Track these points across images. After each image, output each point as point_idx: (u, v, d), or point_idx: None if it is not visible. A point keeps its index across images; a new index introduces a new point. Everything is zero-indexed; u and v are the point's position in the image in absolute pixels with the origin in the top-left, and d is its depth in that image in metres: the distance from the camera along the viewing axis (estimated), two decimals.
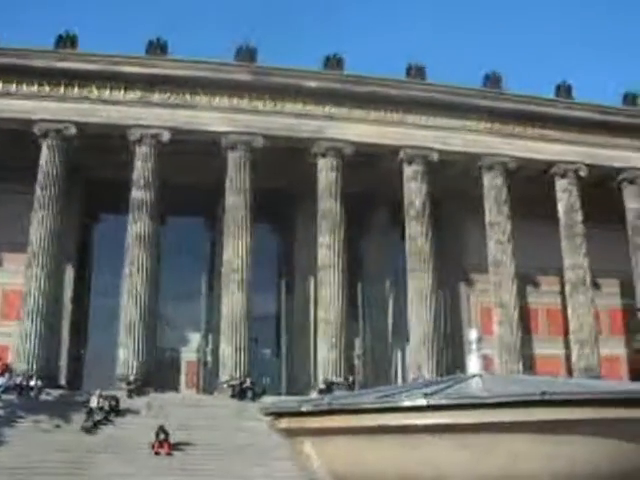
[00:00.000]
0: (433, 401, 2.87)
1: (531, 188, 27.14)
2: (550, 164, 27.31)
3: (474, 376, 3.48)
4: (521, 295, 26.75)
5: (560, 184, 27.30)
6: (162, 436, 17.68)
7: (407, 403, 2.93)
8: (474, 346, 3.72)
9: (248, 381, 22.68)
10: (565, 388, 3.09)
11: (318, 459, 3.29)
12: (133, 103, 23.62)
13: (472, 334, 3.87)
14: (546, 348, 28.41)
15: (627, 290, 28.69)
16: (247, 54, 24.48)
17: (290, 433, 3.61)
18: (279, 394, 23.99)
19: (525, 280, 27.75)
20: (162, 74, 23.64)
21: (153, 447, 17.57)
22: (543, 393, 2.68)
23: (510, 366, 24.66)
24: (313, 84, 24.96)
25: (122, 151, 23.49)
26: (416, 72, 26.07)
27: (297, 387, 24.58)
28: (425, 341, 24.35)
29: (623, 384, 4.32)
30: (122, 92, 23.51)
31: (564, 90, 27.87)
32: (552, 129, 27.45)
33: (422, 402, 2.87)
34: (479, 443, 2.70)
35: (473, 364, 3.64)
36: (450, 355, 25.94)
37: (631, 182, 28.10)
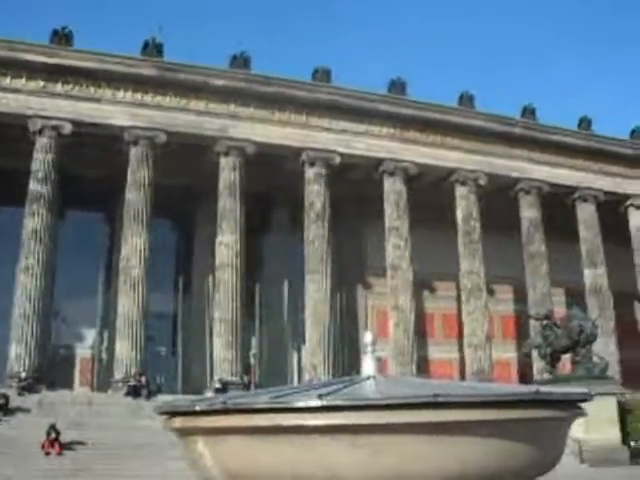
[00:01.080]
0: (326, 402, 3.17)
1: (432, 194, 32.19)
2: (450, 171, 32.47)
3: (368, 378, 3.88)
4: (418, 299, 31.79)
5: (459, 191, 32.51)
6: (53, 435, 18.82)
7: (300, 404, 3.24)
8: (369, 348, 4.13)
9: (143, 379, 25.52)
10: (456, 391, 3.46)
11: (211, 459, 3.60)
12: (34, 93, 26.46)
13: (367, 337, 4.27)
14: (441, 351, 33.71)
15: (520, 296, 34.33)
16: (154, 49, 27.91)
17: (184, 432, 3.93)
18: (174, 393, 27.12)
19: (422, 285, 32.89)
20: (66, 64, 26.56)
21: (43, 447, 18.65)
22: (435, 395, 3.05)
23: (405, 369, 29.38)
24: (219, 82, 28.79)
25: (23, 140, 26.14)
26: (322, 75, 30.50)
27: (193, 386, 28.16)
28: (321, 342, 28.56)
29: (512, 387, 5.51)
30: (23, 80, 26.28)
31: (466, 99, 33.16)
32: (453, 137, 32.63)
33: (315, 403, 3.18)
34: (372, 444, 3.06)
35: (367, 366, 4.05)
36: (347, 357, 30.50)
37: (527, 192, 33.76)
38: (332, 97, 30.48)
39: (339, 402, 3.23)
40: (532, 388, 3.53)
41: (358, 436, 3.12)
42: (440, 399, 3.05)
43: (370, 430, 3.08)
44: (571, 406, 3.73)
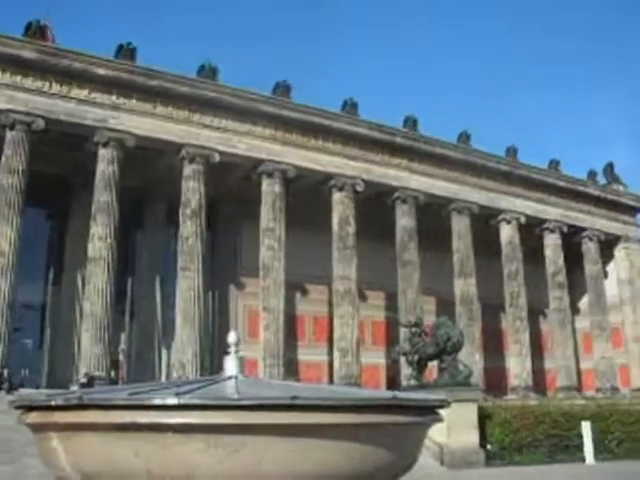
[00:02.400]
0: (184, 400, 3.56)
1: (310, 198, 38.37)
2: (329, 176, 38.92)
3: (230, 378, 4.37)
4: (290, 301, 37.94)
5: (337, 196, 39.02)
6: None
7: (157, 401, 3.61)
8: (232, 348, 4.70)
9: (5, 372, 28.96)
10: (316, 393, 3.94)
11: (65, 456, 3.92)
12: None
13: (231, 336, 4.79)
14: (311, 354, 40.22)
15: (392, 303, 41.27)
16: (37, 31, 32.14)
17: (38, 428, 4.24)
18: (38, 387, 30.85)
19: (295, 287, 39.30)
20: None
21: None
22: (293, 397, 3.49)
23: (274, 370, 34.90)
24: (102, 71, 33.58)
25: None
26: (208, 72, 35.88)
27: (59, 380, 32.13)
28: (191, 341, 33.77)
29: (370, 391, 6.19)
30: None
31: (350, 106, 39.71)
32: (335, 142, 39.16)
33: (173, 401, 3.57)
34: (228, 444, 3.47)
35: (230, 366, 4.59)
36: (217, 356, 35.93)
37: (404, 201, 40.80)
38: (216, 95, 36.04)
39: (195, 401, 3.59)
40: (390, 393, 4.01)
41: (214, 436, 3.51)
42: (298, 401, 3.46)
43: (226, 430, 3.48)
44: (428, 412, 4.18)
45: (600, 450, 33.26)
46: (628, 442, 35.50)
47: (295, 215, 37.14)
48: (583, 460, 32.15)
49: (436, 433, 26.41)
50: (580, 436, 32.80)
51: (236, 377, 4.40)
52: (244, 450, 3.48)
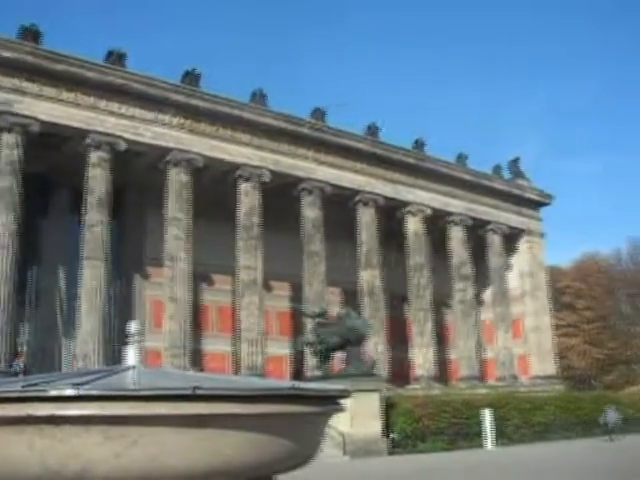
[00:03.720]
0: (82, 391, 3.56)
1: (217, 187, 40.13)
2: (237, 166, 40.83)
3: (129, 368, 4.41)
4: (195, 291, 39.64)
5: (243, 187, 40.95)
6: None
7: (53, 393, 3.57)
8: (132, 338, 4.75)
9: None
10: (217, 384, 3.97)
11: None
12: None
13: (131, 326, 4.83)
14: (216, 345, 42.16)
15: (297, 294, 43.49)
16: None
17: None
18: None
19: (201, 277, 41.15)
20: None
21: None
22: (194, 388, 3.56)
23: (179, 361, 36.39)
24: (6, 54, 34.48)
25: None
26: (116, 58, 37.11)
27: None
28: (95, 331, 35.01)
29: (271, 382, 6.01)
30: None
31: (259, 97, 41.70)
32: (243, 132, 41.06)
33: (69, 392, 3.55)
34: (127, 436, 3.50)
35: (131, 356, 4.65)
36: (121, 347, 37.40)
37: (310, 192, 43.03)
38: (124, 81, 37.42)
39: (93, 392, 3.61)
40: (289, 383, 4.15)
41: (112, 428, 3.55)
42: (198, 391, 3.56)
43: (124, 422, 3.54)
44: (329, 402, 4.36)
45: (499, 436, 36.53)
46: (525, 428, 39.12)
47: (202, 205, 38.84)
48: (482, 446, 35.31)
49: (340, 423, 28.76)
50: (480, 423, 35.93)
51: (136, 367, 4.48)
52: (143, 442, 3.55)
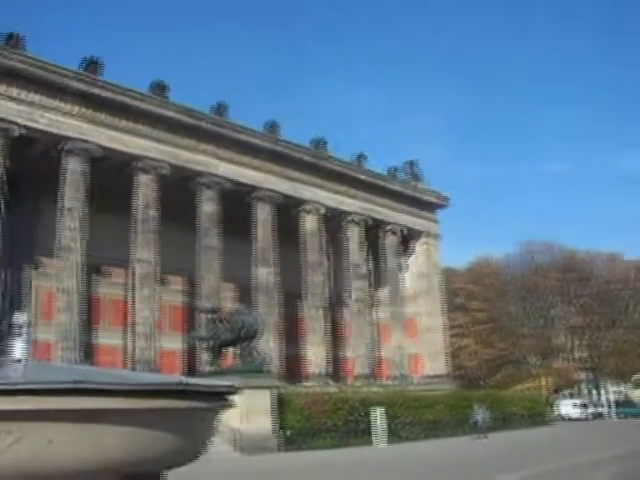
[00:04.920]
0: None
1: (115, 179, 40.76)
2: (135, 158, 41.51)
3: (16, 361, 4.25)
4: (88, 283, 40.08)
5: (142, 179, 41.70)
6: None
7: None
8: (20, 330, 4.58)
9: None
10: (103, 378, 3.88)
11: None
12: None
13: (19, 318, 4.80)
14: (109, 338, 42.83)
15: (191, 289, 44.65)
16: None
17: None
18: None
19: (95, 269, 41.79)
20: None
21: None
22: (77, 382, 3.47)
23: (69, 354, 36.71)
24: None
25: None
26: (15, 42, 37.21)
27: None
28: None
29: (158, 376, 6.03)
30: None
31: (160, 89, 42.44)
32: (143, 124, 41.83)
33: None
34: (9, 431, 3.39)
35: (18, 349, 4.43)
36: (8, 340, 37.72)
37: (208, 187, 44.13)
38: (23, 66, 37.43)
39: None
40: (177, 378, 4.08)
41: None
42: (82, 386, 3.50)
43: (9, 417, 3.43)
44: (217, 398, 4.37)
45: (390, 433, 38.47)
46: (415, 425, 41.22)
47: (99, 196, 39.20)
48: (374, 443, 37.13)
49: (231, 419, 29.85)
50: (373, 421, 37.75)
51: (23, 361, 4.35)
52: (26, 438, 3.48)
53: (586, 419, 71.07)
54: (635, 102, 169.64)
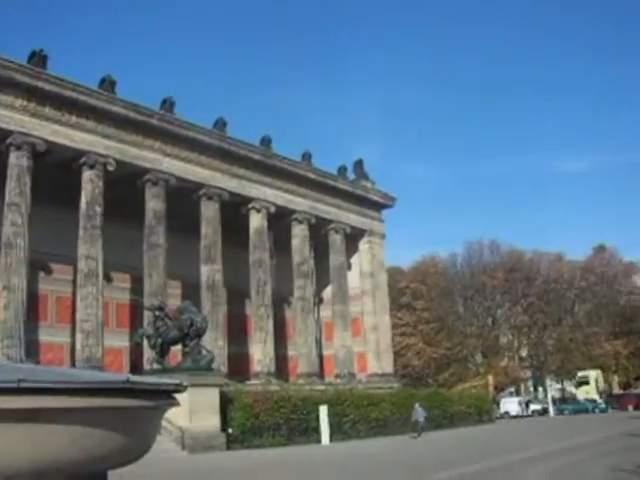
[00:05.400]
0: None
1: (61, 174, 40.77)
2: (81, 153, 41.55)
3: None
4: (33, 280, 40.13)
5: (87, 175, 41.83)
6: None
7: None
8: None
9: None
10: (47, 376, 3.84)
11: None
12: None
13: None
14: (55, 336, 42.97)
15: (138, 286, 44.72)
16: None
17: None
18: None
19: (40, 266, 41.62)
20: None
21: None
22: (20, 380, 3.47)
23: (13, 352, 36.35)
24: None
25: None
26: None
27: None
28: None
29: (104, 375, 5.47)
30: None
31: (108, 83, 42.52)
32: (89, 119, 41.92)
33: None
34: None
35: None
36: None
37: (155, 183, 44.45)
38: None
39: None
40: (124, 376, 4.08)
41: None
42: (25, 385, 3.47)
43: None
44: (163, 396, 4.40)
45: (336, 431, 39.21)
46: (361, 423, 42.02)
47: (44, 191, 39.10)
48: (320, 441, 37.80)
49: (178, 418, 30.17)
50: (318, 419, 38.42)
51: None
52: None
53: (531, 416, 72.89)
54: (578, 107, 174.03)
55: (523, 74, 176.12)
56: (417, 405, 42.20)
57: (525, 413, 74.26)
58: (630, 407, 70.49)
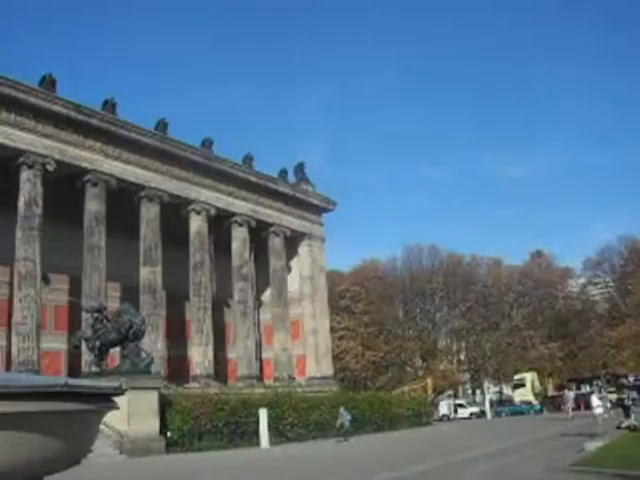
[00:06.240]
0: None
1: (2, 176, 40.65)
2: (20, 153, 41.57)
3: None
4: None
5: (25, 175, 41.85)
6: None
7: None
8: None
9: None
10: None
11: None
12: None
13: None
14: None
15: (76, 288, 44.99)
16: None
17: None
18: None
19: None
20: None
21: None
22: None
23: None
24: None
25: None
26: None
27: None
28: None
29: (42, 378, 5.66)
30: None
31: (49, 82, 42.68)
32: (28, 118, 41.93)
33: None
34: None
35: None
36: None
37: (94, 184, 44.83)
38: None
39: None
40: (62, 380, 4.12)
41: None
42: None
43: None
44: (102, 399, 4.45)
45: (275, 434, 39.88)
46: (300, 426, 42.76)
47: None
48: (259, 444, 38.37)
49: (117, 421, 30.28)
50: (258, 422, 39.00)
51: None
52: None
53: (469, 418, 74.59)
54: (518, 112, 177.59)
55: (464, 75, 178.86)
56: (342, 409, 42.83)
57: (463, 415, 75.86)
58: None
